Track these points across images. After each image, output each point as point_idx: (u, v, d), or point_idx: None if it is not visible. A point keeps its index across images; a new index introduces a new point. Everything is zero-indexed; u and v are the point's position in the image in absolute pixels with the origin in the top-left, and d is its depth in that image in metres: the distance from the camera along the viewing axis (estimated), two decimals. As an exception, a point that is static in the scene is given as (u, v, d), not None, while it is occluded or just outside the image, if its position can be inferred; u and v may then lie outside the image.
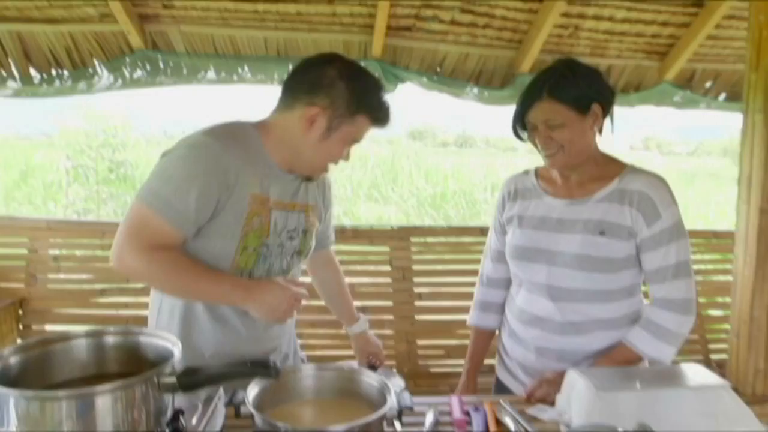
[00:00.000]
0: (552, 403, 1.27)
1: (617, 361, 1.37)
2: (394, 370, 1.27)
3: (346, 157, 1.32)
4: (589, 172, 1.41)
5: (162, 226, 1.16)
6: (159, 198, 1.16)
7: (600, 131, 1.40)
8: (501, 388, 1.56)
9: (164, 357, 1.00)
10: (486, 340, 1.65)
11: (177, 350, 0.99)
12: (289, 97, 1.27)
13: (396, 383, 1.18)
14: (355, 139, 1.29)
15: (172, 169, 1.18)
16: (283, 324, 1.40)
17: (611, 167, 1.41)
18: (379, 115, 1.28)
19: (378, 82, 1.31)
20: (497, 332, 1.64)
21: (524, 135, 1.42)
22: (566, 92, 1.32)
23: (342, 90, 1.23)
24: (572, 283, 1.38)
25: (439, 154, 14.70)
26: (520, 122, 1.40)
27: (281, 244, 1.33)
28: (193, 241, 1.23)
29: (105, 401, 0.87)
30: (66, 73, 2.68)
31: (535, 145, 1.41)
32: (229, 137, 1.23)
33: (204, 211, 1.19)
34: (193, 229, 1.20)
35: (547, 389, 1.31)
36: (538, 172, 1.53)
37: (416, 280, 2.84)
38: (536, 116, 1.35)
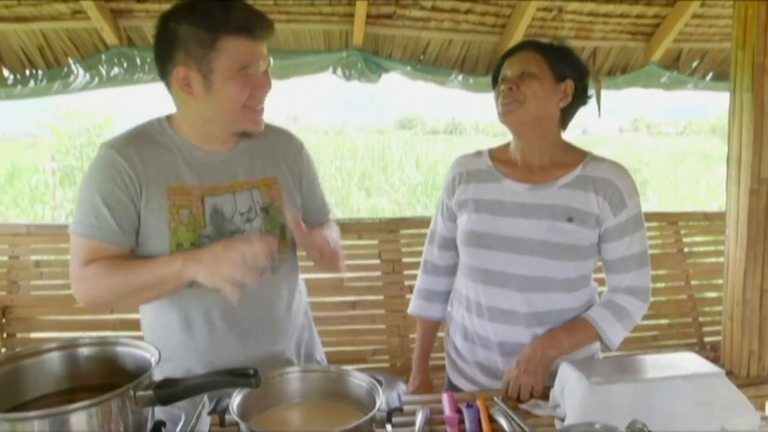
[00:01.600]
0: (540, 396, 1.25)
1: (576, 336, 1.34)
2: (403, 385, 1.21)
3: (262, 87, 1.16)
4: (549, 157, 1.37)
5: (93, 246, 1.15)
6: (79, 223, 1.16)
7: (563, 124, 1.39)
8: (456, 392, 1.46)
9: (143, 367, 0.97)
10: (433, 331, 1.59)
11: (155, 360, 0.96)
12: (161, 76, 1.19)
13: (401, 389, 1.14)
14: (242, 65, 1.12)
15: (81, 192, 1.19)
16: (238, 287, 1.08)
17: (573, 155, 1.39)
18: (244, 23, 1.11)
19: (227, 3, 1.13)
20: (445, 331, 1.57)
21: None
22: (552, 52, 1.34)
23: (186, 33, 1.10)
24: (535, 271, 1.34)
25: (429, 142, 14.67)
26: (499, 70, 1.38)
27: (238, 229, 1.22)
28: (137, 251, 1.20)
29: (79, 419, 0.83)
30: (40, 72, 2.62)
31: (496, 99, 1.37)
32: (127, 140, 1.20)
33: (122, 216, 1.16)
34: (125, 237, 1.17)
35: (526, 381, 1.26)
36: (492, 154, 1.45)
37: (406, 272, 2.81)
38: (514, 64, 1.34)
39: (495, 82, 1.39)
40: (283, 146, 1.33)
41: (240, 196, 1.23)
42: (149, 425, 0.95)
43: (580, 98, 1.38)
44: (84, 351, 1.03)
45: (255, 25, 1.12)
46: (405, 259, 2.82)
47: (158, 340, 1.23)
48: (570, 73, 1.34)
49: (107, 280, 1.15)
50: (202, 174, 1.21)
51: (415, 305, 1.58)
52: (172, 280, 1.13)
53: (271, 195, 1.27)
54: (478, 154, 1.47)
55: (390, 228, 2.85)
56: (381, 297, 2.78)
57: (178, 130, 1.22)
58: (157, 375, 1.04)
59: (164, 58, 1.15)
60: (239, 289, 1.04)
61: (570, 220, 1.32)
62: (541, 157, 1.37)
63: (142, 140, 1.20)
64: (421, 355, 1.60)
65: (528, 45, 1.37)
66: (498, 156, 1.44)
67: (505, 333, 1.38)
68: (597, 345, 1.43)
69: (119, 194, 1.15)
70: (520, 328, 1.36)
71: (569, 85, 1.34)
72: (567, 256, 1.33)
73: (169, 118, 1.24)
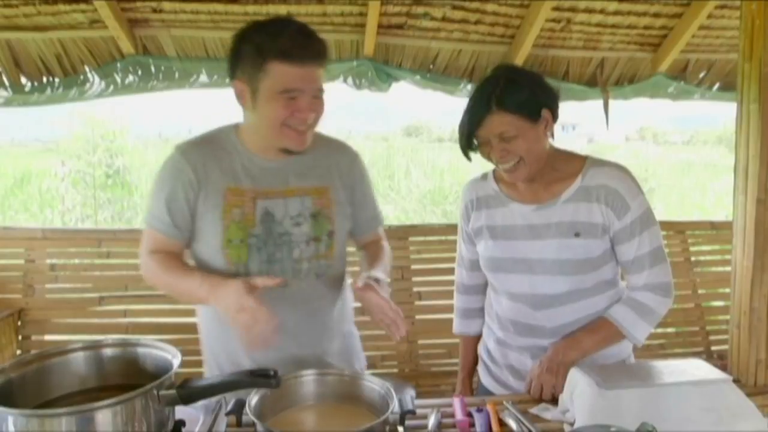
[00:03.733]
0: (555, 401, 1.27)
1: (598, 335, 1.36)
2: (412, 390, 1.21)
3: (305, 111, 1.21)
4: (549, 173, 1.37)
5: (155, 236, 1.31)
6: (148, 213, 1.32)
7: (552, 135, 1.37)
8: (485, 394, 1.51)
9: (163, 368, 1.00)
10: (474, 345, 1.63)
11: (176, 361, 0.99)
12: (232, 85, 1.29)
13: (408, 393, 1.16)
14: (284, 88, 1.18)
15: (152, 187, 1.33)
16: (260, 348, 1.15)
17: (571, 164, 1.38)
18: (287, 50, 1.16)
19: (281, 21, 1.24)
20: (479, 340, 1.61)
21: (474, 151, 1.36)
22: (515, 101, 1.27)
23: (245, 51, 1.20)
24: (555, 289, 1.37)
25: (435, 150, 14.68)
26: (469, 139, 1.33)
27: (286, 232, 1.29)
28: (192, 245, 1.34)
29: (104, 417, 0.87)
30: (57, 80, 2.66)
31: (490, 160, 1.36)
32: (196, 144, 1.33)
33: (178, 213, 1.28)
34: (180, 232, 1.30)
35: (548, 380, 1.30)
36: (496, 176, 1.47)
37: (415, 279, 2.83)
38: (487, 131, 1.29)
39: (466, 137, 1.33)
40: (338, 157, 1.40)
41: (291, 201, 1.31)
42: (170, 425, 0.98)
43: (555, 107, 1.35)
44: (107, 351, 1.07)
45: (301, 52, 1.17)
46: (414, 266, 2.85)
47: (212, 338, 1.39)
48: (538, 101, 1.30)
49: (158, 277, 1.30)
50: (257, 178, 1.30)
51: (456, 324, 1.64)
52: (199, 300, 1.27)
53: (321, 202, 1.34)
54: (484, 177, 1.50)
55: (399, 235, 2.88)
56: (389, 303, 2.80)
57: (241, 137, 1.32)
58: (222, 368, 1.29)
59: (230, 70, 1.25)
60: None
61: (577, 235, 1.34)
62: (541, 176, 1.38)
63: (209, 144, 1.32)
64: (463, 368, 1.64)
65: (488, 107, 1.28)
66: (501, 177, 1.45)
67: (536, 346, 1.41)
68: (629, 350, 1.45)
69: (179, 195, 1.28)
70: (546, 340, 1.40)
71: (545, 113, 1.31)
72: (582, 270, 1.36)
73: (236, 126, 1.34)
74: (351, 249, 1.48)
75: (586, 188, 1.34)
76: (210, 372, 1.41)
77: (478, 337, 1.62)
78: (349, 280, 1.47)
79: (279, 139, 1.25)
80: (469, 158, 1.38)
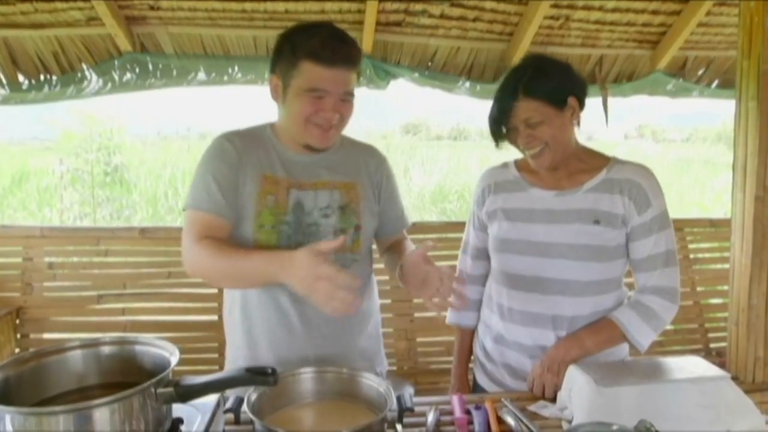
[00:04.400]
0: (553, 399, 1.27)
1: (601, 336, 1.36)
2: (411, 387, 1.21)
3: (330, 110, 1.25)
4: (574, 165, 1.40)
5: (203, 217, 1.28)
6: (192, 197, 1.31)
7: (578, 124, 1.39)
8: (479, 393, 1.52)
9: (161, 366, 0.99)
10: (470, 338, 1.63)
11: (174, 359, 0.98)
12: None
13: (407, 391, 1.16)
14: (312, 87, 1.23)
15: (195, 176, 1.35)
16: (343, 315, 1.06)
17: (596, 160, 1.41)
18: (317, 51, 1.21)
19: (320, 24, 1.28)
20: (474, 335, 1.61)
21: (503, 140, 1.40)
22: (542, 88, 1.31)
23: (283, 49, 1.27)
24: (564, 274, 1.37)
25: (433, 148, 14.68)
26: (498, 125, 1.38)
27: (315, 222, 1.33)
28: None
29: (102, 415, 0.86)
30: (54, 78, 2.65)
31: (517, 146, 1.39)
32: (237, 133, 1.37)
33: (228, 190, 1.30)
34: (230, 211, 1.30)
35: (550, 379, 1.30)
36: (518, 164, 1.50)
37: (414, 276, 2.82)
38: (515, 117, 1.33)
39: (495, 124, 1.38)
40: (367, 158, 1.45)
41: (321, 193, 1.35)
42: (167, 423, 0.98)
43: (583, 97, 1.38)
44: (105, 349, 1.06)
45: (331, 55, 1.22)
46: (412, 264, 2.84)
47: (236, 333, 1.39)
48: (565, 89, 1.33)
49: (212, 261, 1.21)
50: (290, 170, 1.35)
51: (451, 314, 1.63)
52: (267, 278, 1.16)
53: (349, 197, 1.38)
54: (505, 165, 1.52)
55: (397, 233, 2.87)
56: (389, 301, 2.80)
57: (276, 133, 1.38)
58: (241, 363, 1.29)
59: (271, 65, 1.31)
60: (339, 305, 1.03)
61: (597, 222, 1.35)
62: (566, 165, 1.40)
63: (249, 136, 1.37)
64: (458, 362, 1.64)
65: (515, 94, 1.32)
66: (524, 166, 1.48)
67: (534, 336, 1.41)
68: (626, 349, 1.45)
69: (226, 172, 1.31)
70: (548, 331, 1.39)
71: (572, 100, 1.34)
72: (595, 257, 1.36)
73: (272, 124, 1.40)
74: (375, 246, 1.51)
75: (611, 180, 1.36)
76: (229, 367, 1.41)
77: (471, 331, 1.62)
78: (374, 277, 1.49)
79: (303, 135, 1.30)
80: (498, 146, 1.42)
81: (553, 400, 1.27)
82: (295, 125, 1.30)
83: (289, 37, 1.27)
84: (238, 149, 1.33)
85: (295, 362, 1.30)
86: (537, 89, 1.31)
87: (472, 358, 1.63)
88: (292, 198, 1.32)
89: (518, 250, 1.42)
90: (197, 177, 1.33)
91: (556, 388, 1.28)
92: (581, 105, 1.37)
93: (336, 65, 1.23)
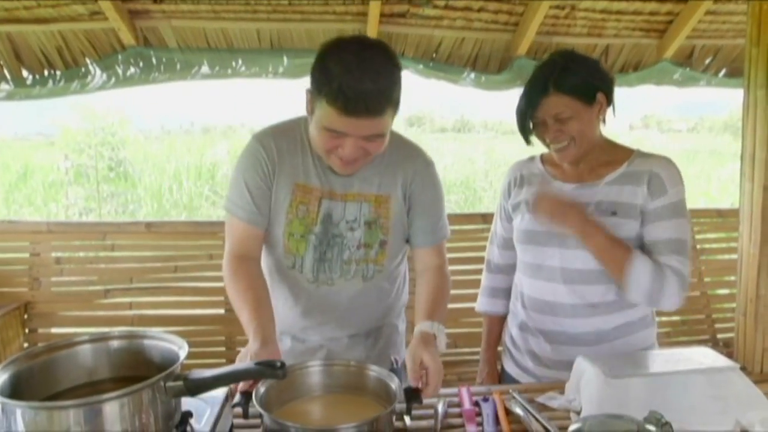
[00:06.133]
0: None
1: (610, 244, 1.32)
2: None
3: (344, 149, 1.17)
4: (597, 158, 1.42)
5: (239, 224, 1.32)
6: (230, 199, 1.34)
7: (604, 120, 1.40)
8: (507, 380, 1.57)
9: (170, 359, 1.00)
10: (499, 325, 1.67)
11: (183, 353, 0.99)
12: None
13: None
14: (327, 126, 1.14)
15: (233, 175, 1.35)
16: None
17: (619, 153, 1.43)
18: (334, 98, 1.09)
19: (350, 59, 1.10)
20: (503, 323, 1.65)
21: (531, 134, 1.41)
22: (572, 84, 1.32)
23: (314, 72, 1.15)
24: (586, 265, 1.38)
25: (438, 140, 14.62)
26: (525, 120, 1.39)
27: (340, 234, 1.32)
28: None
29: (112, 409, 0.87)
30: (58, 73, 2.65)
31: (544, 141, 1.41)
32: (272, 134, 1.33)
33: (261, 198, 1.31)
34: (261, 218, 1.32)
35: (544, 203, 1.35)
36: (543, 158, 1.53)
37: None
38: (544, 112, 1.35)
39: (523, 118, 1.38)
40: (406, 166, 1.34)
41: (350, 205, 1.32)
42: (177, 416, 0.98)
43: (610, 93, 1.39)
44: (114, 344, 1.06)
45: (348, 105, 1.09)
46: (417, 256, 2.83)
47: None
48: (594, 85, 1.34)
49: (231, 289, 1.29)
50: (324, 178, 1.31)
51: (480, 302, 1.67)
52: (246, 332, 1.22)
53: (378, 211, 1.34)
54: (531, 159, 1.55)
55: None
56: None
57: (310, 137, 1.28)
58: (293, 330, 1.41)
59: (310, 75, 1.18)
60: None
61: (614, 213, 1.35)
62: (589, 160, 1.42)
63: (285, 136, 1.33)
64: (487, 347, 1.67)
65: (545, 89, 1.32)
66: (549, 159, 1.51)
67: (555, 323, 1.44)
68: (653, 338, 1.47)
69: (259, 181, 1.31)
70: (568, 318, 1.42)
71: (600, 96, 1.35)
72: None
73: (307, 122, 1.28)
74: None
75: (632, 173, 1.37)
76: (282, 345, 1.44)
77: (500, 318, 1.65)
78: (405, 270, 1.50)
79: (327, 160, 1.26)
80: (528, 141, 1.42)
81: (556, 392, 1.26)
82: (318, 150, 1.24)
83: (319, 63, 1.13)
84: (272, 157, 1.31)
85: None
86: (567, 85, 1.32)
87: (500, 347, 1.67)
88: (323, 208, 1.31)
89: (539, 240, 1.44)
90: (234, 179, 1.34)
91: (542, 207, 1.34)
92: (609, 101, 1.38)
93: (354, 115, 1.10)
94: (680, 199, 1.36)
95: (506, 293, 1.62)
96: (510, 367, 1.58)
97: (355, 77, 1.08)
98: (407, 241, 1.41)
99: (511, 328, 1.58)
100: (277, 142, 1.32)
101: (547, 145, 1.41)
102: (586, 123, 1.34)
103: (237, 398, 1.07)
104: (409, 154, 1.36)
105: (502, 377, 1.61)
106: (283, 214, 1.32)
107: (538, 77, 1.36)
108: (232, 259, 1.33)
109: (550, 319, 1.44)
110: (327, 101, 1.11)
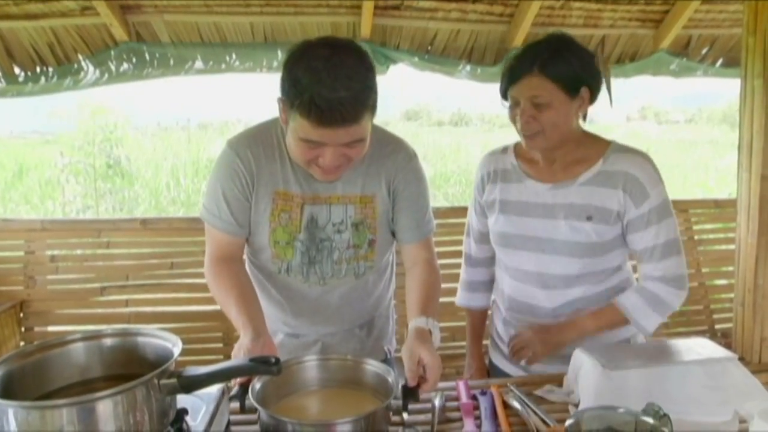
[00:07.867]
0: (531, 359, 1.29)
1: (602, 321, 1.36)
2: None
3: (324, 158, 1.12)
4: (572, 153, 1.36)
5: (216, 235, 1.31)
6: (206, 208, 1.32)
7: (584, 117, 1.35)
8: (496, 373, 1.55)
9: (164, 357, 0.99)
10: (481, 319, 1.64)
11: (177, 350, 0.98)
12: None
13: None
14: (303, 137, 1.10)
15: (209, 181, 1.33)
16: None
17: (594, 146, 1.37)
18: (306, 111, 1.04)
19: (322, 71, 1.03)
20: (489, 316, 1.63)
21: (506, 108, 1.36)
22: (558, 70, 1.25)
23: (283, 81, 1.09)
24: (563, 270, 1.36)
25: (435, 134, 14.63)
26: (504, 94, 1.34)
27: (328, 238, 1.31)
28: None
29: (105, 407, 0.86)
30: (51, 69, 2.63)
31: (514, 123, 1.34)
32: (246, 142, 1.29)
33: (238, 209, 1.28)
34: (240, 229, 1.30)
35: (533, 345, 1.35)
36: (517, 151, 1.46)
37: (417, 263, 2.81)
38: (522, 91, 1.28)
39: (504, 97, 1.35)
40: (389, 163, 1.31)
41: (335, 208, 1.30)
42: (172, 414, 0.97)
43: (596, 89, 1.34)
44: (107, 342, 1.05)
45: (322, 117, 1.05)
46: (415, 250, 2.83)
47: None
48: (581, 77, 1.28)
49: (215, 290, 1.29)
50: (305, 183, 1.28)
51: (460, 296, 1.65)
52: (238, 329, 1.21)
53: (364, 212, 1.32)
54: (505, 150, 1.49)
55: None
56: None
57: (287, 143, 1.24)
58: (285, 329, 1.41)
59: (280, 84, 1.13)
60: None
61: (589, 218, 1.32)
62: (563, 155, 1.37)
63: (260, 142, 1.28)
64: (472, 342, 1.65)
65: (530, 67, 1.27)
66: (522, 153, 1.45)
67: (536, 323, 1.42)
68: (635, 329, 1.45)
69: (237, 193, 1.28)
70: (549, 319, 1.41)
71: (584, 91, 1.30)
72: (590, 254, 1.34)
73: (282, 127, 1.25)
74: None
75: (606, 173, 1.32)
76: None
77: (482, 312, 1.63)
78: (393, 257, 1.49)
79: (307, 169, 1.21)
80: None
81: (554, 385, 1.26)
82: (298, 161, 1.20)
83: (289, 72, 1.08)
84: (250, 168, 1.26)
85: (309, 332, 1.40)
86: (554, 69, 1.25)
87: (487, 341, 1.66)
88: (306, 214, 1.29)
89: (515, 244, 1.41)
90: (210, 186, 1.31)
91: (533, 356, 1.32)
92: (592, 98, 1.33)
93: (330, 126, 1.06)
94: (664, 198, 1.32)
95: (486, 286, 1.59)
96: (498, 360, 1.55)
97: (327, 86, 1.02)
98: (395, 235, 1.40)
99: (496, 321, 1.56)
100: (254, 150, 1.27)
101: (518, 131, 1.35)
102: (561, 115, 1.27)
103: (235, 390, 1.07)
104: (391, 151, 1.32)
105: (491, 370, 1.59)
106: (266, 222, 1.29)
107: (527, 53, 1.29)
108: (213, 261, 1.31)
109: (531, 319, 1.43)
110: (300, 114, 1.06)
